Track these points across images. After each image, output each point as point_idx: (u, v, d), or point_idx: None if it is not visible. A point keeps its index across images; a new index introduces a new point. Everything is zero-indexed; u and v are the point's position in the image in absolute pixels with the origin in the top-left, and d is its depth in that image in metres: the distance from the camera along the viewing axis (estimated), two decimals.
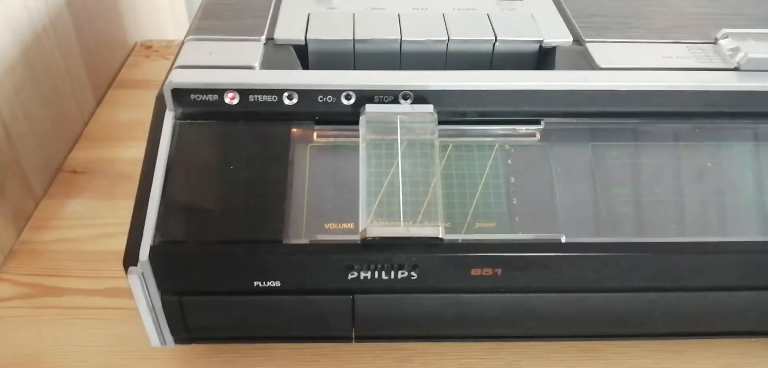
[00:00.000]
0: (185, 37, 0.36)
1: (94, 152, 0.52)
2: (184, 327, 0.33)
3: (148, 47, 0.65)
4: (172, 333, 0.33)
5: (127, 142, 0.53)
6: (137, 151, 0.52)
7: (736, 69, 0.33)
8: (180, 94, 0.32)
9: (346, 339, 0.34)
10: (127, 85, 0.60)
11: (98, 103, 0.57)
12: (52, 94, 0.49)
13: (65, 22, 0.51)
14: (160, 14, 0.67)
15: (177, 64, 0.33)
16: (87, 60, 0.55)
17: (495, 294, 0.32)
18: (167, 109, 0.33)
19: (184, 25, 0.68)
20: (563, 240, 0.30)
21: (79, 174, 0.49)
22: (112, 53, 0.61)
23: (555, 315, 0.33)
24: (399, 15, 0.37)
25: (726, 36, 0.35)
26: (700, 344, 0.37)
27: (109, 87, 0.59)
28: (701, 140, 0.33)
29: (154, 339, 0.33)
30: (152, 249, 0.29)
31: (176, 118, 0.33)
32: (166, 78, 0.33)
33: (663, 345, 0.37)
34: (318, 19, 0.37)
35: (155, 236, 0.30)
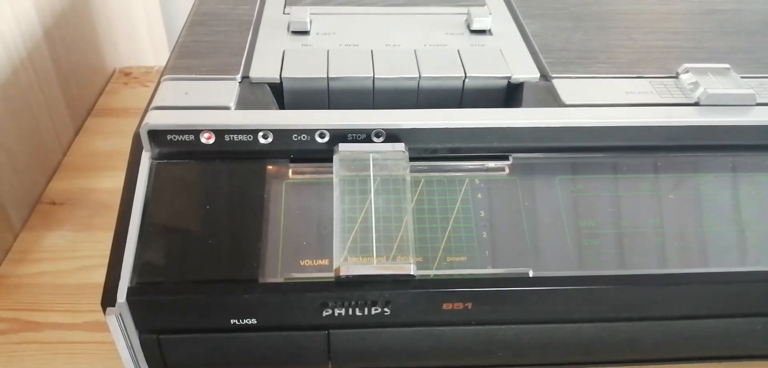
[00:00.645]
0: (161, 77, 0.36)
1: (73, 183, 0.52)
2: (163, 364, 0.33)
3: (127, 74, 0.66)
4: None
5: (106, 171, 0.53)
6: (116, 181, 0.52)
7: (696, 104, 0.35)
8: (156, 135, 0.33)
9: None
10: (106, 113, 0.61)
11: (77, 132, 0.57)
12: (30, 126, 0.49)
13: (42, 53, 0.51)
14: (138, 40, 0.67)
15: (153, 105, 0.34)
16: (65, 89, 0.55)
17: (467, 327, 0.32)
18: (144, 150, 0.33)
19: (163, 50, 0.68)
20: (531, 274, 0.31)
21: (58, 205, 0.50)
22: (91, 81, 0.61)
23: (525, 345, 0.34)
24: (372, 51, 0.38)
25: (687, 71, 0.37)
26: None
27: (87, 115, 0.60)
28: (664, 173, 0.34)
29: None
30: (130, 290, 0.30)
31: (153, 158, 0.33)
32: (142, 119, 0.33)
33: None
34: (293, 56, 0.38)
35: (132, 277, 0.30)
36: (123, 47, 0.67)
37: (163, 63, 0.68)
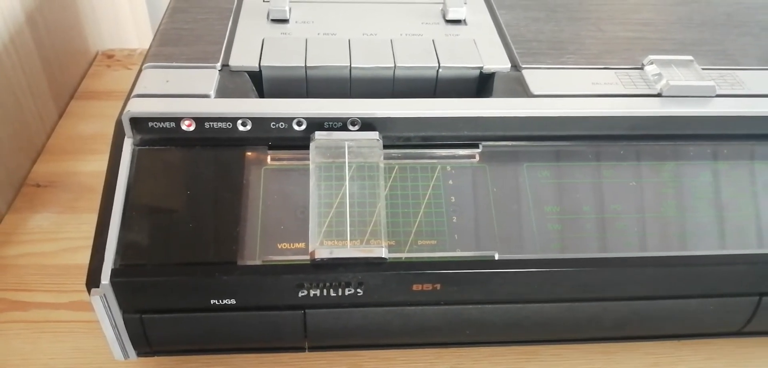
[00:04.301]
0: (143, 64, 0.37)
1: (57, 165, 0.53)
2: (146, 342, 0.34)
3: (110, 57, 0.66)
4: (135, 347, 0.35)
5: (90, 154, 0.54)
6: (100, 164, 0.53)
7: (659, 95, 0.36)
8: (138, 123, 0.34)
9: (300, 349, 0.36)
10: (89, 96, 0.61)
11: (60, 115, 0.58)
12: (13, 110, 0.50)
13: (25, 36, 0.52)
14: (121, 22, 0.67)
15: (135, 92, 0.35)
16: (48, 72, 0.56)
17: (436, 307, 0.34)
18: (126, 136, 0.34)
19: (146, 33, 0.69)
20: (496, 257, 0.33)
21: (43, 188, 0.51)
22: (74, 63, 0.62)
23: (492, 324, 0.35)
24: (349, 41, 0.39)
25: (651, 62, 0.38)
26: (628, 346, 0.40)
27: (71, 98, 0.60)
28: (626, 161, 0.36)
29: (118, 354, 0.35)
30: (113, 272, 0.31)
31: (135, 144, 0.34)
32: (124, 106, 0.34)
33: (594, 348, 0.40)
34: (272, 45, 0.39)
35: (116, 259, 0.31)
36: (106, 30, 0.67)
37: (146, 45, 0.69)
